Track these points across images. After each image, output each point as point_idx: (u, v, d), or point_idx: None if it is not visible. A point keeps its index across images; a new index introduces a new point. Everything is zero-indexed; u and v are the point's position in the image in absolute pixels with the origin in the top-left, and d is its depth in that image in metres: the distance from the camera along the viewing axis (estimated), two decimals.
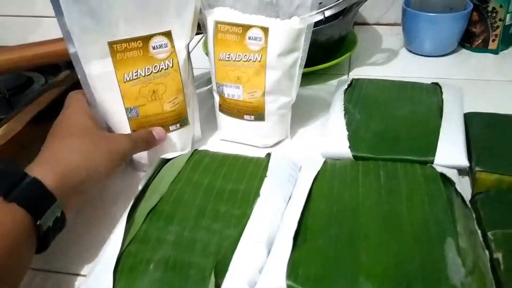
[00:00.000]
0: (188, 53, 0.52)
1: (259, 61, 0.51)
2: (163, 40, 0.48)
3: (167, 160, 0.51)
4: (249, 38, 0.51)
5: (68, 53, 0.47)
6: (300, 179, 0.47)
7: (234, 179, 0.47)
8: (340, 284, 0.35)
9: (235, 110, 0.55)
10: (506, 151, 0.48)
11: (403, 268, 0.36)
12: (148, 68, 0.49)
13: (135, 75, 0.48)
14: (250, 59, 0.51)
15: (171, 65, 0.50)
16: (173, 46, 0.49)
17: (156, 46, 0.48)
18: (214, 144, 0.59)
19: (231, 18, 0.51)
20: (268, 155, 0.50)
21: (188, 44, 0.52)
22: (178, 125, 0.53)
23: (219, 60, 0.53)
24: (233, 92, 0.54)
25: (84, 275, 0.41)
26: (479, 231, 0.40)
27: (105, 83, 0.48)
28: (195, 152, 0.51)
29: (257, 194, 0.44)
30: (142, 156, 0.53)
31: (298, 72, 0.53)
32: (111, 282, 0.37)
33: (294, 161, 0.51)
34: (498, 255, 0.37)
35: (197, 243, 0.40)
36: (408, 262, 0.37)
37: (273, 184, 0.45)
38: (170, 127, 0.52)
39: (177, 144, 0.54)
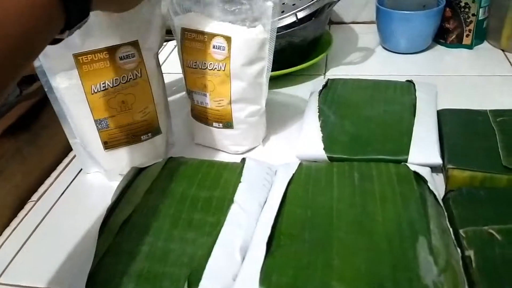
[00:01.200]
0: (158, 62, 0.52)
1: (223, 70, 0.50)
2: (130, 50, 0.48)
3: (141, 170, 0.51)
4: (214, 47, 0.50)
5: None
6: (275, 183, 0.47)
7: (208, 186, 0.47)
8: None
9: (204, 117, 0.55)
10: (478, 147, 0.48)
11: (375, 270, 0.36)
12: (116, 79, 0.48)
13: (103, 87, 0.48)
14: (215, 68, 0.51)
15: (139, 75, 0.49)
16: (141, 56, 0.49)
17: (123, 56, 0.48)
18: (191, 148, 0.58)
19: (197, 26, 0.50)
20: (243, 160, 0.50)
21: (157, 53, 0.51)
22: (149, 134, 0.52)
23: (188, 67, 0.53)
24: (201, 99, 0.53)
25: None
26: (451, 229, 0.40)
27: (72, 96, 0.48)
28: (169, 159, 0.51)
29: (231, 201, 0.44)
30: (114, 167, 0.52)
31: (265, 81, 0.52)
32: None
33: (269, 166, 0.51)
34: (470, 253, 0.37)
35: (170, 254, 0.40)
36: (380, 263, 0.37)
37: (248, 189, 0.45)
38: (142, 137, 0.52)
39: (150, 153, 0.53)
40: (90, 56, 0.47)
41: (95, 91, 0.48)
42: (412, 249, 0.38)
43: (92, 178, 0.55)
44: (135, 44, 0.48)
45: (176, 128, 0.60)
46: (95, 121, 0.49)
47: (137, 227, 0.42)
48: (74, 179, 0.55)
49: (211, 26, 0.50)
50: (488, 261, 0.36)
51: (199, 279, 0.37)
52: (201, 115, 0.55)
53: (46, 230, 0.48)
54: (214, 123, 0.54)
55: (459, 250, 0.38)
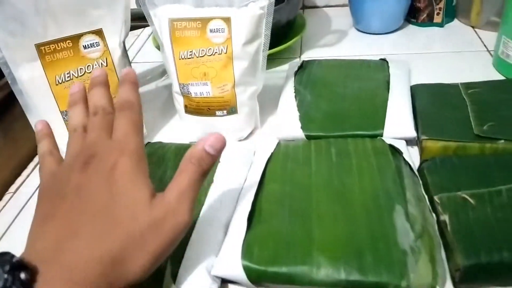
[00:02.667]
0: (124, 50, 0.51)
1: (225, 53, 0.49)
2: (94, 38, 0.47)
3: None
4: (211, 31, 0.49)
5: None
6: (254, 162, 0.48)
7: None
8: (294, 260, 0.36)
9: (204, 109, 0.53)
10: (451, 118, 0.49)
11: (354, 238, 0.37)
12: (81, 69, 0.48)
13: (68, 77, 0.47)
14: (216, 52, 0.50)
15: (105, 64, 0.49)
16: (105, 45, 0.48)
17: (87, 45, 0.47)
18: (167, 139, 0.58)
19: (187, 14, 0.49)
20: None
21: (123, 41, 0.51)
22: None
23: (180, 59, 0.51)
24: (201, 90, 0.52)
25: None
26: (426, 197, 0.41)
27: (36, 87, 0.47)
28: (147, 144, 0.51)
29: (210, 181, 0.44)
30: None
31: (262, 58, 0.52)
32: None
33: (248, 146, 0.51)
34: (445, 217, 0.38)
35: None
36: (358, 232, 0.38)
37: (227, 169, 0.46)
38: None
39: None
40: (53, 46, 0.46)
41: (60, 81, 0.47)
42: (389, 217, 0.39)
43: None
44: (99, 32, 0.48)
45: (151, 119, 0.59)
46: (61, 112, 0.49)
47: None
48: None
49: (202, 11, 0.48)
50: (462, 224, 0.37)
51: (181, 256, 0.37)
52: (201, 107, 0.53)
53: (25, 220, 0.48)
54: (217, 112, 0.53)
55: (434, 216, 0.39)
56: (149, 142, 0.52)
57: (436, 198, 0.40)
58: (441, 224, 0.38)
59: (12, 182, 0.53)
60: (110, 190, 0.31)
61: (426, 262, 0.35)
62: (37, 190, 0.51)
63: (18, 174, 0.54)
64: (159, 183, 0.45)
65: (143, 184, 0.33)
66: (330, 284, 0.35)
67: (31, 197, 0.51)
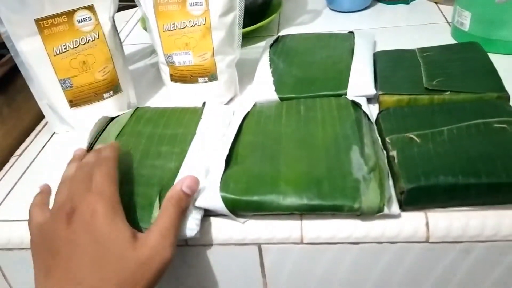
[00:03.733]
0: (114, 24, 0.57)
1: (204, 24, 0.55)
2: (86, 14, 0.54)
3: (112, 119, 0.56)
4: (190, 5, 0.55)
5: None
6: (232, 120, 0.54)
7: (173, 126, 0.53)
8: (265, 190, 0.42)
9: (188, 76, 0.59)
10: (405, 76, 0.56)
11: (315, 171, 0.43)
12: (75, 41, 0.54)
13: (64, 48, 0.53)
14: (195, 24, 0.56)
15: (97, 37, 0.55)
16: (97, 19, 0.55)
17: (81, 19, 0.54)
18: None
19: None
20: (204, 103, 0.56)
21: (113, 16, 0.57)
22: (111, 92, 0.58)
23: (164, 31, 0.57)
24: (183, 59, 0.58)
25: None
26: (379, 139, 0.47)
27: (36, 58, 0.53)
28: (137, 109, 0.57)
29: (194, 134, 0.50)
30: (80, 124, 0.58)
31: (237, 29, 0.58)
32: None
33: (227, 107, 0.57)
34: (393, 153, 0.44)
35: (142, 177, 0.46)
36: (319, 167, 0.44)
37: (208, 124, 0.52)
38: (104, 95, 0.58)
39: (113, 110, 0.59)
40: (50, 21, 0.52)
41: (57, 52, 0.53)
42: (346, 155, 0.45)
43: (64, 136, 0.61)
44: (91, 8, 0.54)
45: (140, 91, 0.65)
46: (59, 81, 0.55)
47: None
48: (51, 137, 0.61)
49: None
50: (407, 157, 0.43)
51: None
52: (184, 75, 0.59)
53: (28, 180, 0.54)
54: (199, 79, 0.58)
55: (385, 153, 0.45)
56: (138, 107, 0.58)
57: (387, 139, 0.46)
58: (390, 159, 0.45)
59: (16, 148, 0.59)
60: (94, 237, 0.36)
61: (375, 188, 0.41)
62: (39, 155, 0.57)
63: (22, 141, 0.60)
64: (148, 138, 0.51)
65: (122, 226, 0.37)
66: (294, 208, 0.41)
67: (33, 160, 0.57)
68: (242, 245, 0.44)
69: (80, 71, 0.55)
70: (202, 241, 0.44)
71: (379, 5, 0.86)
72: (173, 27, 0.56)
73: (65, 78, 0.54)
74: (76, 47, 0.54)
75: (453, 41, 0.69)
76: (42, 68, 0.54)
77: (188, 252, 0.45)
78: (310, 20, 0.84)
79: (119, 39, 0.59)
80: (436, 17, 0.79)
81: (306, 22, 0.84)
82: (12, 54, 0.53)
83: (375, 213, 0.41)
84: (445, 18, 0.78)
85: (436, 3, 0.83)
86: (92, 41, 0.55)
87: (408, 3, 0.84)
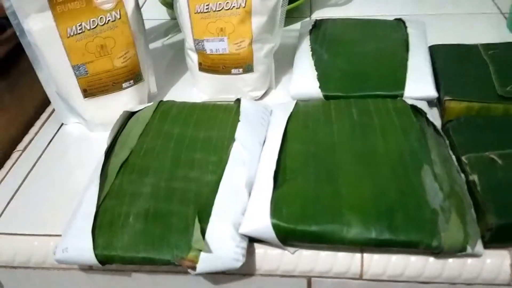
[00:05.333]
0: (137, 2, 0.49)
1: (244, 7, 0.47)
2: None
3: (132, 114, 0.49)
4: None
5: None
6: (273, 122, 0.47)
7: (205, 127, 0.46)
8: (325, 218, 0.35)
9: (220, 66, 0.51)
10: (472, 79, 0.49)
11: (383, 197, 0.37)
12: (93, 21, 0.45)
13: (80, 29, 0.45)
14: (234, 6, 0.47)
15: (118, 17, 0.46)
16: None
17: None
18: (176, 98, 0.56)
19: None
20: (238, 101, 0.49)
21: None
22: (131, 81, 0.50)
23: (196, 13, 0.48)
24: (216, 47, 0.50)
25: (59, 235, 0.39)
26: (453, 157, 0.40)
27: (47, 40, 0.45)
28: (160, 103, 0.49)
29: (231, 139, 0.43)
30: (94, 116, 0.50)
31: (280, 14, 0.50)
32: (91, 242, 0.36)
33: (264, 105, 0.50)
34: (474, 177, 0.38)
35: (175, 192, 0.39)
36: (387, 191, 0.37)
37: (247, 128, 0.44)
38: (123, 84, 0.50)
39: (132, 102, 0.51)
40: None
41: (71, 34, 0.45)
42: (417, 176, 0.38)
43: (74, 129, 0.53)
44: None
45: (158, 81, 0.57)
46: (73, 67, 0.47)
47: (136, 169, 0.41)
48: (59, 128, 0.53)
49: None
50: (491, 183, 0.37)
51: (208, 214, 0.36)
52: (216, 65, 0.51)
53: (38, 177, 0.47)
54: (233, 70, 0.51)
55: (463, 176, 0.39)
56: (161, 101, 0.50)
57: (463, 158, 0.39)
58: (470, 184, 0.38)
59: (19, 139, 0.51)
60: None
61: (457, 221, 0.35)
62: (46, 149, 0.50)
63: (25, 132, 0.52)
64: (177, 140, 0.44)
65: None
66: (361, 243, 0.35)
67: (40, 157, 0.49)
68: (289, 277, 0.38)
69: (97, 56, 0.47)
70: (243, 271, 0.38)
71: None
72: (207, 8, 0.48)
73: (79, 63, 0.46)
74: (93, 28, 0.45)
75: (510, 34, 0.61)
76: (52, 51, 0.45)
77: (223, 281, 0.39)
78: (345, 1, 0.76)
79: (142, 19, 0.51)
80: (487, 5, 0.71)
81: (341, 3, 0.75)
82: (17, 34, 0.45)
83: (457, 252, 0.34)
84: (498, 8, 0.70)
85: None
86: (112, 21, 0.46)
87: None
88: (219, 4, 0.47)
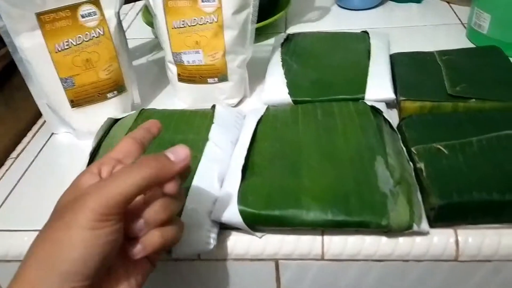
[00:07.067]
0: (119, 20, 0.53)
1: (216, 21, 0.52)
2: (91, 8, 0.50)
3: (116, 121, 0.53)
4: (202, 1, 0.51)
5: None
6: (245, 125, 0.51)
7: (183, 130, 0.50)
8: (287, 204, 0.39)
9: (197, 76, 0.56)
10: (426, 81, 0.53)
11: (340, 185, 0.41)
12: (79, 37, 0.50)
13: (67, 45, 0.50)
14: (207, 21, 0.52)
15: (102, 33, 0.51)
16: (102, 14, 0.51)
17: (85, 14, 0.50)
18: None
19: None
20: (213, 107, 0.53)
21: (118, 12, 0.53)
22: (116, 92, 0.55)
23: (173, 28, 0.53)
24: (193, 58, 0.54)
25: None
26: (404, 149, 0.45)
27: (37, 55, 0.49)
28: (142, 110, 0.54)
29: (206, 139, 0.47)
30: (82, 125, 0.54)
31: (250, 28, 0.55)
32: None
33: (238, 111, 0.54)
34: (421, 165, 0.42)
35: None
36: (344, 180, 0.41)
37: (220, 129, 0.49)
38: (108, 95, 0.54)
39: (116, 111, 0.55)
40: (52, 15, 0.48)
41: (59, 49, 0.50)
42: (371, 166, 0.42)
43: (63, 138, 0.57)
44: (96, 2, 0.50)
45: (143, 90, 0.61)
46: (61, 79, 0.51)
47: None
48: (50, 137, 0.57)
49: None
50: (435, 170, 0.41)
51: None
52: (193, 75, 0.55)
53: (29, 180, 0.51)
54: (209, 79, 0.55)
55: (411, 164, 0.43)
56: (143, 109, 0.54)
57: (413, 149, 0.44)
58: (417, 171, 0.42)
59: (13, 149, 0.55)
60: None
61: (404, 203, 0.39)
62: (37, 156, 0.54)
63: (18, 142, 0.56)
64: (157, 143, 0.48)
65: None
66: (318, 224, 0.39)
67: (31, 163, 0.53)
68: (258, 260, 0.42)
69: (83, 69, 0.51)
70: (216, 256, 0.41)
71: (390, 3, 0.83)
72: (183, 24, 0.53)
73: (67, 76, 0.51)
74: (79, 44, 0.50)
75: (470, 44, 0.67)
76: (42, 66, 0.50)
77: (200, 266, 0.43)
78: (318, 18, 0.81)
79: (125, 35, 0.56)
80: (450, 17, 0.76)
81: (314, 19, 0.81)
82: (10, 50, 0.50)
83: (404, 230, 0.38)
84: (459, 19, 0.75)
85: (448, 2, 0.81)
86: (96, 37, 0.51)
87: (420, 2, 0.81)
88: (194, 19, 0.52)
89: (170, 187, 0.32)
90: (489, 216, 0.39)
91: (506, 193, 0.38)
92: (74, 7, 0.49)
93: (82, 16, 0.50)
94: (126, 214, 0.31)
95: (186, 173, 0.36)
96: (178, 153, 0.33)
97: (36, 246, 0.30)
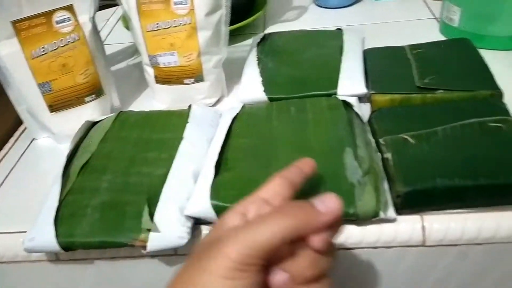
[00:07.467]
0: (94, 25, 0.55)
1: (189, 23, 0.53)
2: (65, 14, 0.51)
3: (94, 124, 0.54)
4: (175, 3, 0.53)
5: None
6: (221, 123, 0.52)
7: (159, 130, 0.51)
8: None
9: (173, 77, 0.57)
10: (396, 75, 0.55)
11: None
12: (54, 43, 0.51)
13: (43, 51, 0.51)
14: (181, 23, 0.53)
15: (77, 38, 0.53)
16: (76, 20, 0.52)
17: (60, 20, 0.51)
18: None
19: None
20: (190, 106, 0.54)
21: (93, 16, 0.54)
22: (93, 95, 0.56)
23: (148, 31, 0.54)
24: (168, 60, 0.56)
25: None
26: (373, 140, 0.46)
27: (14, 62, 0.51)
28: (120, 113, 0.55)
29: (181, 138, 0.48)
30: (61, 129, 0.55)
31: (224, 29, 0.56)
32: (53, 231, 0.41)
33: (214, 110, 0.55)
34: (388, 155, 0.43)
35: (129, 185, 0.44)
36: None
37: (195, 128, 0.50)
38: (86, 99, 0.55)
39: (95, 114, 0.56)
40: (27, 22, 0.50)
41: (35, 56, 0.51)
42: (340, 158, 0.44)
43: (44, 142, 0.58)
44: (70, 8, 0.52)
45: (124, 93, 0.63)
46: (38, 85, 0.52)
47: (96, 169, 0.46)
48: (31, 143, 0.58)
49: None
50: (402, 159, 0.42)
51: (157, 201, 0.41)
52: (170, 77, 0.57)
53: (11, 184, 0.52)
54: (185, 80, 0.57)
55: (379, 155, 0.44)
56: (121, 111, 0.56)
57: (381, 140, 0.45)
58: (385, 161, 0.43)
59: None
60: None
61: (371, 192, 0.40)
62: (19, 160, 0.55)
63: (0, 148, 0.57)
64: (134, 144, 0.49)
65: None
66: None
67: (12, 168, 0.54)
68: None
69: (60, 74, 0.53)
70: (191, 251, 0.42)
71: (366, 1, 0.85)
72: (157, 27, 0.54)
73: (44, 82, 0.52)
74: (55, 50, 0.51)
75: (442, 37, 0.68)
76: (19, 72, 0.51)
77: (177, 262, 0.44)
78: (296, 17, 0.82)
79: (100, 40, 0.57)
80: (424, 12, 0.78)
81: (292, 18, 0.82)
82: None
83: (371, 217, 0.40)
84: (433, 14, 0.77)
85: None
86: (72, 42, 0.52)
87: None
88: (168, 22, 0.54)
89: (317, 241, 0.29)
90: (453, 201, 0.40)
91: (468, 178, 0.39)
92: (48, 14, 0.50)
93: (57, 23, 0.51)
94: (269, 266, 0.28)
95: (337, 226, 0.31)
96: (327, 203, 0.30)
97: (174, 285, 0.29)
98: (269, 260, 0.28)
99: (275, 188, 0.33)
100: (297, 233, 0.28)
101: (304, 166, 0.35)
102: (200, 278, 0.27)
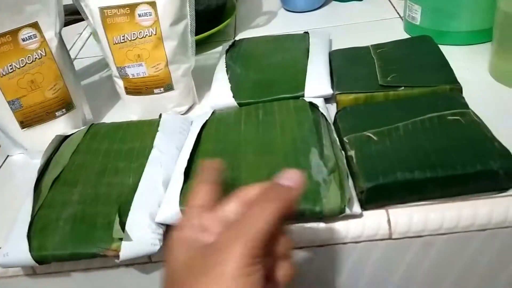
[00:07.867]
0: (61, 40, 0.55)
1: (155, 34, 0.54)
2: (31, 31, 0.52)
3: (65, 137, 0.55)
4: (139, 16, 0.54)
5: None
6: (191, 130, 0.53)
7: (130, 140, 0.52)
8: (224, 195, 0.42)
9: (143, 88, 0.58)
10: (360, 74, 0.56)
11: (273, 176, 0.43)
12: (22, 60, 0.52)
13: (11, 69, 0.51)
14: (146, 35, 0.54)
15: (44, 54, 0.53)
16: (42, 36, 0.53)
17: (26, 38, 0.52)
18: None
19: (115, 1, 0.54)
20: (160, 115, 0.55)
21: (59, 32, 0.55)
22: (64, 110, 0.56)
23: (114, 44, 0.55)
24: (137, 71, 0.56)
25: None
26: (338, 139, 0.47)
27: None
28: (92, 125, 0.55)
29: (151, 147, 0.49)
30: (34, 145, 0.56)
31: (190, 38, 0.57)
32: (26, 245, 0.41)
33: (185, 117, 0.56)
34: (352, 153, 0.44)
35: (100, 196, 0.45)
36: (279, 171, 0.43)
37: (165, 136, 0.51)
38: (56, 113, 0.56)
39: (67, 128, 0.57)
40: None
41: (3, 73, 0.51)
42: (305, 158, 0.45)
43: (18, 158, 0.59)
44: (35, 25, 0.52)
45: (95, 108, 0.63)
46: (8, 102, 0.53)
47: (67, 182, 0.47)
48: (5, 160, 0.59)
49: None
50: (365, 155, 0.44)
51: (128, 210, 0.42)
52: (139, 87, 0.57)
53: None
54: (155, 90, 0.57)
55: (343, 153, 0.45)
56: (92, 124, 0.56)
57: (345, 138, 0.46)
58: (349, 159, 0.45)
59: None
60: None
61: (336, 189, 0.41)
62: None
63: None
64: (104, 154, 0.50)
65: None
66: None
67: None
68: None
69: (29, 90, 0.53)
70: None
71: (334, 3, 0.87)
72: (123, 39, 0.55)
73: (13, 99, 0.52)
74: (23, 67, 0.52)
75: (406, 36, 0.70)
76: None
77: (153, 269, 0.44)
78: (266, 22, 0.84)
79: (68, 54, 0.57)
80: (389, 12, 0.80)
81: (262, 24, 0.84)
82: None
83: (337, 214, 0.41)
84: (398, 13, 0.79)
85: None
86: (39, 59, 0.53)
87: (361, 0, 0.85)
88: (133, 33, 0.55)
89: (291, 215, 0.32)
90: (415, 194, 0.42)
91: (426, 171, 0.40)
92: (14, 32, 0.51)
93: (23, 40, 0.51)
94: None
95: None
96: (292, 178, 0.33)
97: None
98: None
99: (200, 194, 0.35)
100: (284, 212, 0.30)
101: (207, 165, 0.38)
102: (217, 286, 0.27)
